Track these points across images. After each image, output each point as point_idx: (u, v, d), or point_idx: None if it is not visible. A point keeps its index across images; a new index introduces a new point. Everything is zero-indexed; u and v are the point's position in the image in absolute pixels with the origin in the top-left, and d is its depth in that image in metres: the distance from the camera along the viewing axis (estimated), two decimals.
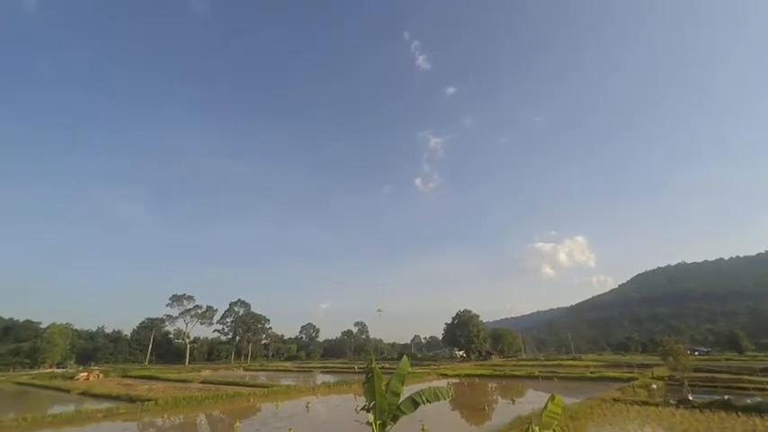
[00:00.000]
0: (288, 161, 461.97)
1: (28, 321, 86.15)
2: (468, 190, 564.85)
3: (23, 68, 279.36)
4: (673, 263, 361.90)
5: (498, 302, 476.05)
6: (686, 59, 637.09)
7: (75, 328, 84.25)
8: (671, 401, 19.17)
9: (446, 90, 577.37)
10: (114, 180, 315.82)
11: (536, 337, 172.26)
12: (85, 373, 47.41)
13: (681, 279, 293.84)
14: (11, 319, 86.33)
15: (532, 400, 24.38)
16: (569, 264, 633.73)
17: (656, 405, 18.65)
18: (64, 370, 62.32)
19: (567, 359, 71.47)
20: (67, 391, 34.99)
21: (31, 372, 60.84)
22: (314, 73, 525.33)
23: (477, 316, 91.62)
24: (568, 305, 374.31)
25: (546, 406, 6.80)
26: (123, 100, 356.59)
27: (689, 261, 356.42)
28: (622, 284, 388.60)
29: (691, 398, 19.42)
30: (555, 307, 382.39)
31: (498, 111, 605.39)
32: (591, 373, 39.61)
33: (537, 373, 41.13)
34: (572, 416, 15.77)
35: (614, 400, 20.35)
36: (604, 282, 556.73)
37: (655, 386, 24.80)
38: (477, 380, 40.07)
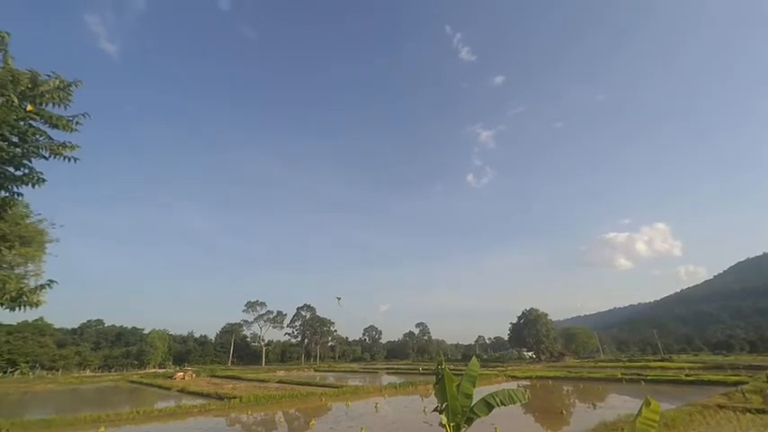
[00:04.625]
0: (342, 169, 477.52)
1: (134, 328, 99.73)
2: (524, 182, 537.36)
3: (112, 108, 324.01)
4: None
5: (566, 299, 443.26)
6: None
7: (170, 333, 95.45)
8: None
9: (494, 80, 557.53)
10: (194, 200, 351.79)
11: (615, 337, 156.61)
12: (182, 374, 53.42)
13: None
14: (121, 326, 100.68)
15: (617, 405, 22.38)
16: (649, 254, 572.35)
17: None
18: (164, 370, 70.92)
19: (655, 360, 64.15)
20: (168, 388, 39.72)
21: (140, 371, 70.16)
22: (357, 81, 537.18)
23: (546, 314, 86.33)
24: (652, 300, 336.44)
25: (640, 412, 6.18)
26: (195, 127, 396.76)
27: None
28: (718, 275, 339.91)
29: None
30: (635, 302, 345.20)
31: (553, 94, 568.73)
32: (686, 375, 35.17)
33: (620, 376, 37.56)
34: (667, 423, 14.18)
35: (719, 406, 17.85)
36: (695, 272, 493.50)
37: None
38: (550, 382, 37.75)
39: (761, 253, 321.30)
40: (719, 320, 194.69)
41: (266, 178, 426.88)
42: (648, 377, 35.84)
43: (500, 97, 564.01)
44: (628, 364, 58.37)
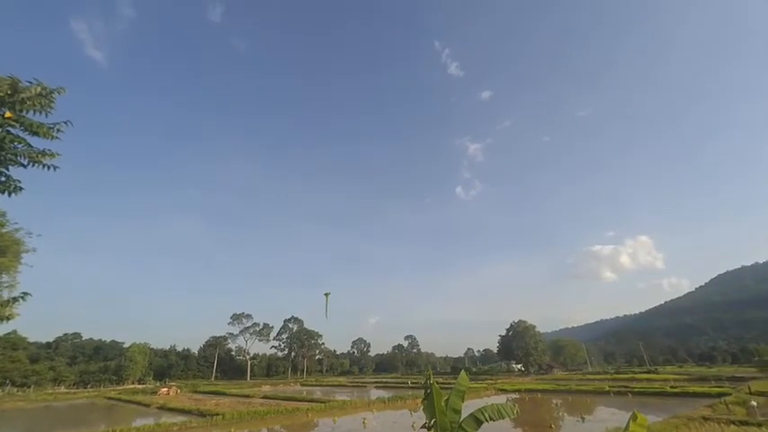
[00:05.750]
0: (333, 180, 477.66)
1: (113, 341, 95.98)
2: (512, 195, 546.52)
3: (100, 116, 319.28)
4: (761, 260, 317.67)
5: (554, 311, 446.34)
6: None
7: (151, 346, 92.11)
8: None
9: (481, 95, 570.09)
10: (180, 210, 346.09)
11: (602, 349, 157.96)
12: (166, 389, 51.67)
13: None
14: (100, 339, 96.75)
15: (604, 417, 22.40)
16: (633, 266, 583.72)
17: (759, 425, 16.23)
18: (144, 386, 68.24)
19: (642, 372, 64.73)
20: (147, 405, 38.15)
21: (118, 387, 67.33)
22: (347, 94, 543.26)
23: (534, 326, 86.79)
24: (637, 312, 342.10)
25: (627, 426, 6.15)
26: (179, 137, 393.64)
27: None
28: (700, 287, 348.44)
29: None
30: (621, 315, 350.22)
31: (539, 109, 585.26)
32: (671, 387, 35.56)
33: (607, 388, 37.77)
34: None
35: (704, 418, 18.01)
36: (678, 285, 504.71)
37: (755, 403, 21.56)
38: (539, 395, 37.64)
39: (740, 266, 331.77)
40: (702, 332, 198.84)
41: (254, 187, 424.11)
42: (635, 389, 36.10)
43: (488, 111, 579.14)
44: (615, 376, 58.73)
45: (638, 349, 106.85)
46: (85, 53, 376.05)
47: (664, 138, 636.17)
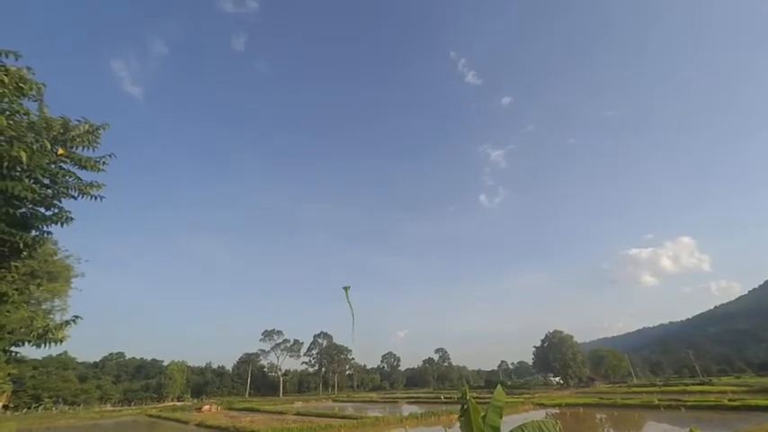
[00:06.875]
0: (355, 194, 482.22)
1: (154, 360, 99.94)
2: (539, 200, 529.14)
3: (135, 145, 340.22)
4: None
5: (590, 320, 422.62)
6: None
7: (188, 364, 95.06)
8: None
9: (501, 101, 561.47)
10: (208, 228, 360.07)
11: (647, 359, 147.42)
12: (208, 406, 53.17)
13: None
14: (141, 358, 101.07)
15: None
16: (676, 270, 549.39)
17: None
18: (183, 403, 70.25)
19: (694, 384, 59.98)
20: (185, 422, 39.13)
21: (158, 405, 69.64)
22: (365, 107, 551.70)
23: (571, 337, 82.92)
24: (683, 318, 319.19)
25: None
26: (209, 157, 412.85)
27: None
28: (753, 290, 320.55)
29: None
30: (666, 321, 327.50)
31: (562, 112, 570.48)
32: (730, 400, 32.66)
33: (656, 402, 35.18)
34: None
35: None
36: (728, 288, 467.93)
37: None
38: (581, 410, 35.59)
39: None
40: (761, 339, 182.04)
41: (280, 206, 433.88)
42: (688, 403, 33.41)
43: (509, 117, 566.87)
44: (664, 388, 54.75)
45: (688, 359, 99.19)
46: (124, 89, 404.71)
47: (700, 134, 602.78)
